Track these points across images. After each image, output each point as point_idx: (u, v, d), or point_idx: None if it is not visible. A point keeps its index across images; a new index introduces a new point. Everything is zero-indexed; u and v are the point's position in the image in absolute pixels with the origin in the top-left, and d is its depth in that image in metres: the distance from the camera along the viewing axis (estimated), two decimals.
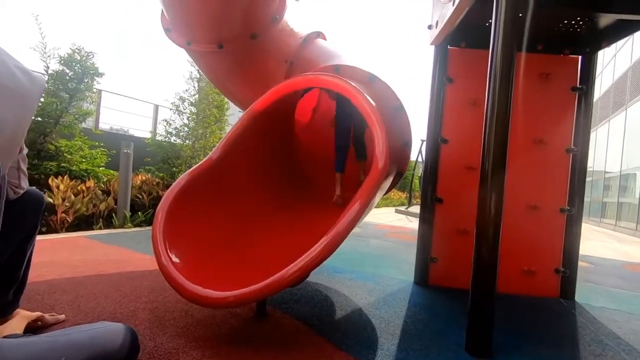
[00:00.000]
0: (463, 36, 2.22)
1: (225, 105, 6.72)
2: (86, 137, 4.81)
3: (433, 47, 2.29)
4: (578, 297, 2.22)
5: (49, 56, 4.34)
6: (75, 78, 4.49)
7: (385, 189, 2.01)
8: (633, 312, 2.15)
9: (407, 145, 2.13)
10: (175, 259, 1.33)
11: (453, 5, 1.81)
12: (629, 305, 2.29)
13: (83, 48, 4.56)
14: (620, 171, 11.23)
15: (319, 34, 2.50)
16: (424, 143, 2.49)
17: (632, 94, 10.79)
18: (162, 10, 2.12)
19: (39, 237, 2.91)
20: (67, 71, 4.46)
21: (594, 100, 2.30)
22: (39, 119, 4.19)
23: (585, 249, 3.10)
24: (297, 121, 2.55)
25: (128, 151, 3.99)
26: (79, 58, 4.49)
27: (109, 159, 5.01)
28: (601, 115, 13.11)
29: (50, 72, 4.38)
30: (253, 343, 1.33)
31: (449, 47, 2.28)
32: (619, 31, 2.04)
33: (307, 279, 1.93)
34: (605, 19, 1.99)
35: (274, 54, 2.27)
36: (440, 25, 2.05)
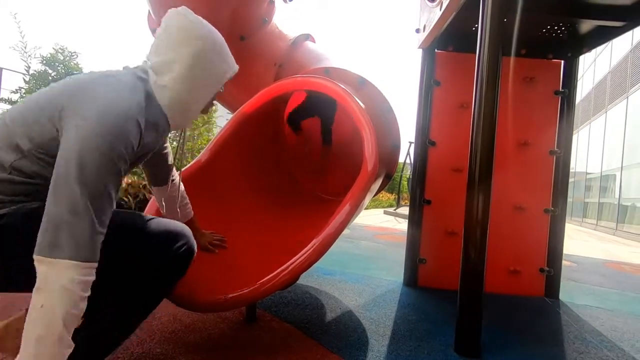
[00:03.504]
0: (450, 40, 2.25)
1: (214, 107, 6.67)
2: None
3: (421, 50, 2.32)
4: (562, 296, 2.27)
5: (29, 56, 4.23)
6: (59, 78, 4.39)
7: (375, 191, 2.02)
8: (614, 309, 2.22)
9: (395, 148, 2.14)
10: None
11: (440, 9, 1.84)
12: (610, 303, 2.36)
13: (66, 48, 4.46)
14: (601, 172, 11.57)
15: (308, 37, 2.50)
16: (412, 145, 2.53)
17: (612, 98, 11.14)
18: (149, 11, 2.09)
19: None
20: (50, 71, 4.35)
21: (576, 103, 2.37)
22: None
23: (568, 248, 3.18)
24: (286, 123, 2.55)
25: None
26: (62, 58, 4.39)
27: None
28: (582, 118, 13.49)
29: (31, 72, 4.27)
30: (243, 347, 1.32)
31: (436, 50, 2.31)
32: (599, 37, 2.11)
33: (297, 282, 1.93)
34: (586, 25, 2.05)
35: (263, 56, 2.27)
36: (428, 29, 2.08)
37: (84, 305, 0.75)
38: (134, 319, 0.98)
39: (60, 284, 0.71)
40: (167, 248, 0.97)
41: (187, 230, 1.04)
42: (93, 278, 0.77)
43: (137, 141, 0.87)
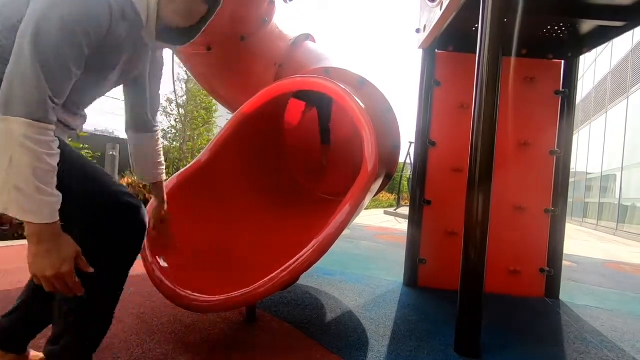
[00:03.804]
0: (450, 40, 2.25)
1: (214, 107, 6.68)
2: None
3: (421, 50, 2.32)
4: (562, 296, 2.27)
5: None
6: None
7: (375, 191, 2.02)
8: (614, 309, 2.21)
9: (396, 148, 2.14)
10: (163, 264, 1.31)
11: (441, 9, 1.84)
12: (610, 303, 2.35)
13: None
14: (601, 172, 11.57)
15: (308, 37, 2.50)
16: (412, 145, 2.53)
17: (612, 98, 11.14)
18: None
19: (18, 242, 2.82)
20: None
21: (576, 103, 2.37)
22: None
23: (568, 248, 3.18)
24: (286, 123, 2.55)
25: (114, 153, 3.93)
26: None
27: (94, 161, 4.91)
28: (583, 118, 13.48)
29: None
30: (243, 347, 1.32)
31: (436, 50, 2.31)
32: (599, 37, 2.11)
33: (297, 282, 1.92)
34: (586, 26, 2.05)
35: (263, 56, 2.27)
36: (428, 29, 2.08)
37: (53, 160, 0.76)
38: (95, 294, 0.92)
39: (17, 141, 0.71)
40: (117, 216, 0.92)
41: (140, 203, 0.98)
42: (53, 139, 0.77)
43: (107, 25, 0.86)
